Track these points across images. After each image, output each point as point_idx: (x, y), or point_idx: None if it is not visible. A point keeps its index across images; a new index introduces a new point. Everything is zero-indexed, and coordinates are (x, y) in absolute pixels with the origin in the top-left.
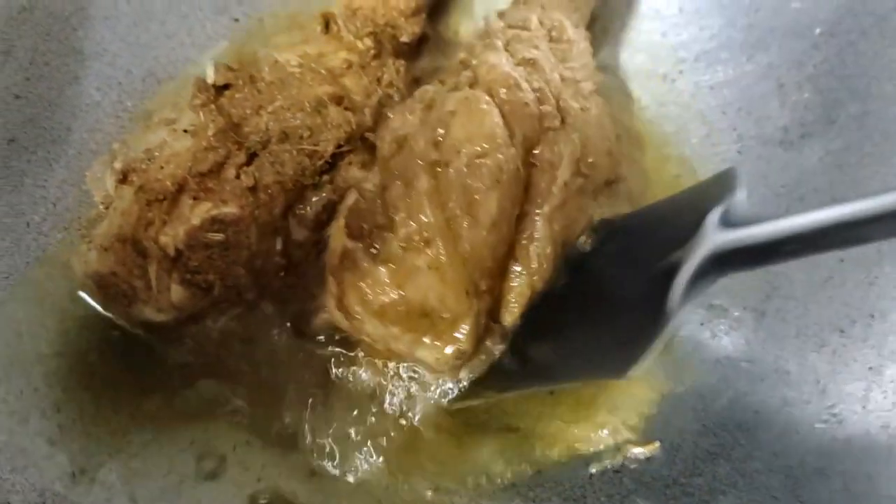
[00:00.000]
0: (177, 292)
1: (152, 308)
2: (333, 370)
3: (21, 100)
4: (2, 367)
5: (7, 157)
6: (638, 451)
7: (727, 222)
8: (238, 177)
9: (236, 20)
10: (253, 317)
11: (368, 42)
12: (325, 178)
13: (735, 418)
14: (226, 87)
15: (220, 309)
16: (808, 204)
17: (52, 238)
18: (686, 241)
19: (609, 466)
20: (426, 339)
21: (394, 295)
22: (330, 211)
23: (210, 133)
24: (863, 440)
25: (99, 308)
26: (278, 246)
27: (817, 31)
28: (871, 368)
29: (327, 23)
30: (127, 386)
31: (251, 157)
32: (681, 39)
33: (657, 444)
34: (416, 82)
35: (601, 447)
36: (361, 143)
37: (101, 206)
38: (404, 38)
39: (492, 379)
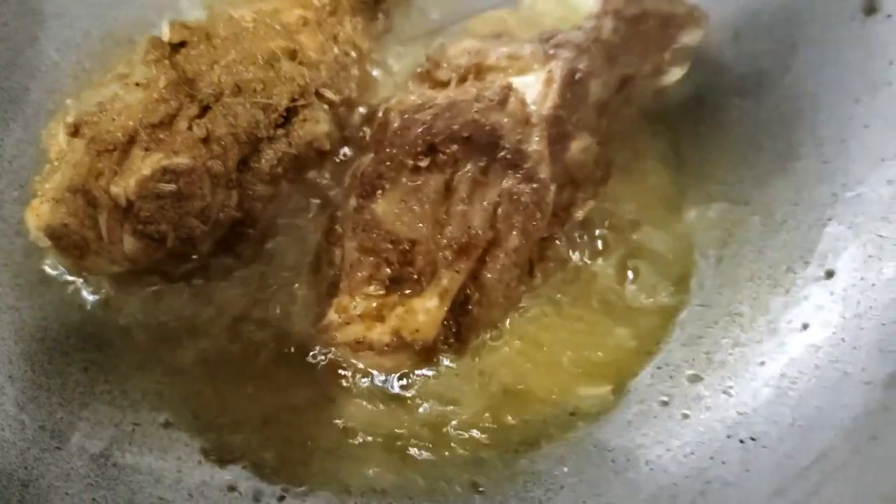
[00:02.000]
0: (129, 242)
1: (105, 259)
2: None
3: None
4: None
5: None
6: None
7: None
8: (190, 128)
9: None
10: None
11: None
12: (281, 131)
13: (689, 362)
14: (181, 44)
15: (176, 261)
16: (765, 151)
17: (7, 196)
18: None
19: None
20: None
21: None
22: (285, 164)
23: (161, 85)
24: (811, 372)
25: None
26: (234, 199)
27: None
28: (820, 307)
29: None
30: (80, 339)
31: (204, 110)
32: None
33: (609, 387)
34: (375, 41)
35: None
36: (317, 97)
37: (54, 162)
38: None
39: None
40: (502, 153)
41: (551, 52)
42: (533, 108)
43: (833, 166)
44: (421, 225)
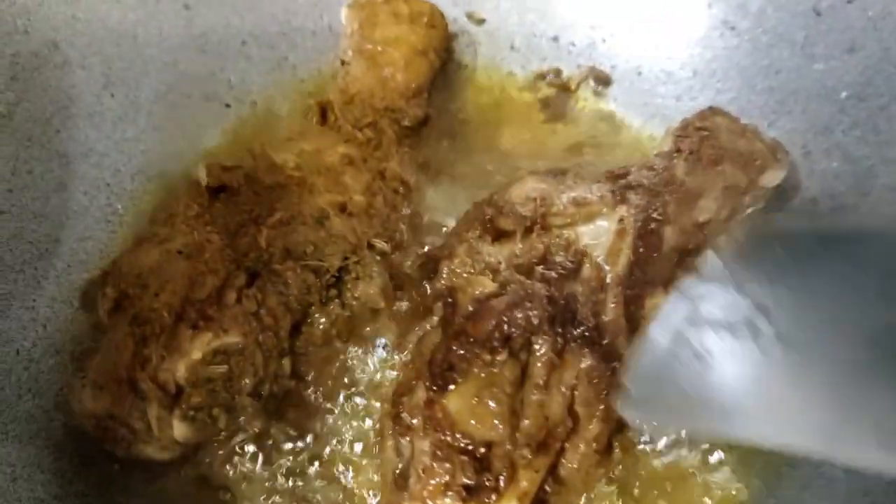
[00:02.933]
0: (180, 429)
1: (155, 447)
2: None
3: (4, 215)
4: None
5: None
6: None
7: None
8: (239, 300)
9: (227, 106)
10: None
11: (368, 133)
12: (333, 291)
13: None
14: (221, 188)
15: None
16: None
17: (43, 365)
18: None
19: None
20: None
21: None
22: (339, 327)
23: (207, 255)
24: None
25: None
26: (286, 367)
27: (843, 94)
28: None
29: (324, 112)
30: None
31: (252, 277)
32: (697, 104)
33: None
34: (422, 169)
35: None
36: (368, 249)
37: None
38: (407, 122)
39: None
40: (579, 329)
41: (621, 195)
42: (607, 268)
43: None
44: (497, 422)
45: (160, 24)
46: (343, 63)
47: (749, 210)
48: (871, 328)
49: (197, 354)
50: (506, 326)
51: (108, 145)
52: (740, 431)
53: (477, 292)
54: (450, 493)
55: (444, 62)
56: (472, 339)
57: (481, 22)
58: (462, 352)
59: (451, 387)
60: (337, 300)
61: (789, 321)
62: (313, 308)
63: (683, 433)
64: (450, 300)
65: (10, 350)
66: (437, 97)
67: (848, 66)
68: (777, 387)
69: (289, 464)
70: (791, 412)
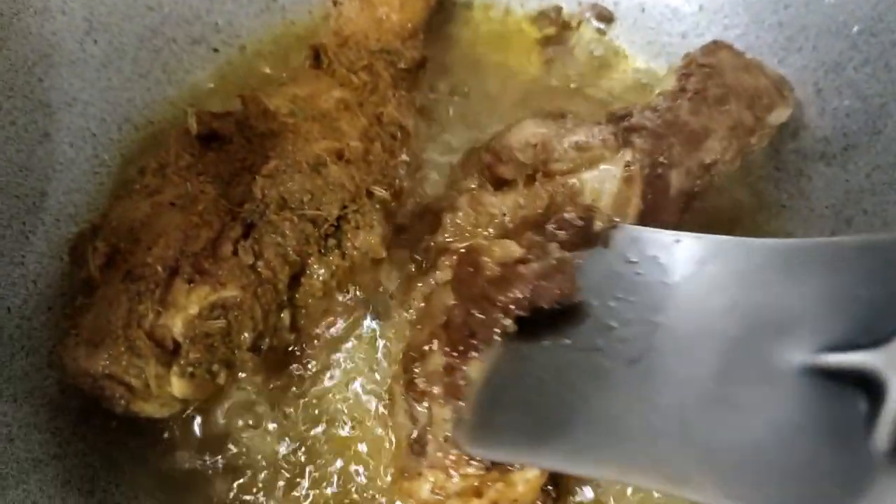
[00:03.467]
0: (179, 385)
1: (154, 405)
2: None
3: None
4: None
5: None
6: None
7: None
8: (235, 253)
9: (215, 50)
10: None
11: (364, 76)
12: (332, 241)
13: None
14: (212, 136)
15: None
16: (857, 227)
17: (35, 322)
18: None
19: None
20: None
21: None
22: (339, 277)
23: (200, 207)
24: None
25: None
26: (286, 320)
27: (855, 28)
28: None
29: (317, 55)
30: (130, 486)
31: (248, 228)
32: (703, 41)
33: None
34: (419, 113)
35: None
36: (367, 197)
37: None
38: (402, 65)
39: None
40: None
41: (624, 138)
42: (617, 220)
43: None
44: None
45: None
46: (336, 3)
47: (754, 148)
48: (715, 348)
49: (194, 309)
50: (537, 301)
51: (93, 94)
52: (576, 466)
53: (502, 255)
54: (473, 462)
55: (439, 1)
56: (497, 305)
57: None
58: (484, 317)
59: (474, 354)
60: (336, 250)
61: (637, 341)
62: (312, 259)
63: None
64: (466, 259)
65: (1, 308)
66: (432, 38)
67: None
68: (623, 414)
69: (291, 415)
70: (636, 444)
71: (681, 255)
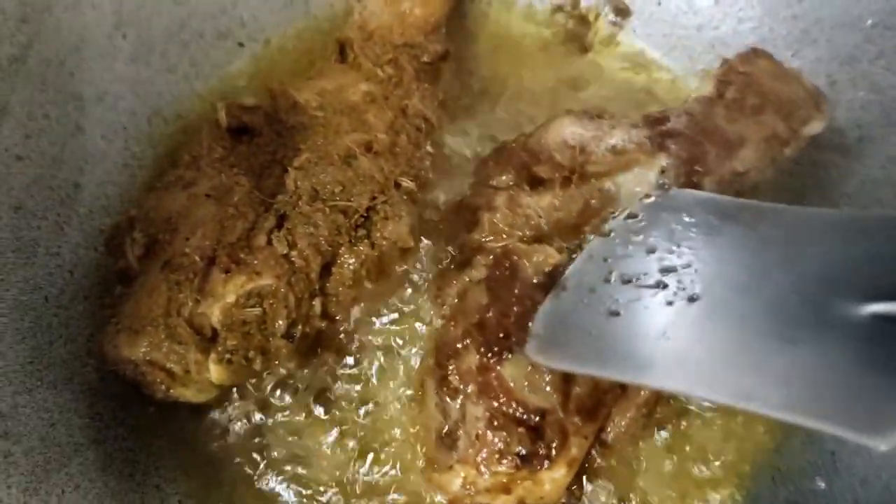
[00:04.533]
0: (216, 371)
1: (192, 390)
2: None
3: (23, 161)
4: (39, 465)
5: (16, 226)
6: None
7: None
8: (270, 242)
9: (241, 45)
10: None
11: (388, 70)
12: (361, 231)
13: None
14: (242, 129)
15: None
16: None
17: (73, 311)
18: None
19: None
20: None
21: None
22: (368, 266)
23: (235, 198)
24: None
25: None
26: (318, 308)
27: (869, 21)
28: None
29: (342, 49)
30: (170, 468)
31: (281, 219)
32: (718, 34)
33: None
34: (442, 106)
35: None
36: (395, 188)
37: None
38: (426, 58)
39: None
40: None
41: (659, 143)
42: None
43: None
44: (550, 390)
45: None
46: None
47: (787, 157)
48: (771, 294)
49: (231, 297)
50: None
51: (123, 87)
52: (650, 381)
53: (541, 261)
54: (504, 460)
55: None
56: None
57: None
58: (520, 320)
59: (508, 355)
60: (366, 240)
61: (697, 282)
62: (342, 249)
63: None
64: (505, 262)
65: (39, 297)
66: (454, 32)
67: None
68: (687, 342)
69: (323, 406)
70: (700, 366)
71: (734, 215)
